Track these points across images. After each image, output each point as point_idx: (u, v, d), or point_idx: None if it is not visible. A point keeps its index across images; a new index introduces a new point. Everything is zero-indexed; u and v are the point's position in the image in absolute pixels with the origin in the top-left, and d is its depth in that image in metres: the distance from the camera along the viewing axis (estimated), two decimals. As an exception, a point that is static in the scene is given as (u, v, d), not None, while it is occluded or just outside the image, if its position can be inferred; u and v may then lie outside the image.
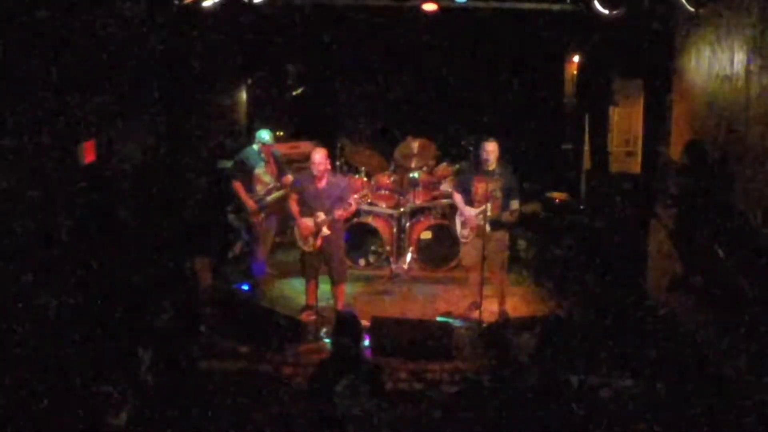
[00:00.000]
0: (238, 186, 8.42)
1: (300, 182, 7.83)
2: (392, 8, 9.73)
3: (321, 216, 7.56)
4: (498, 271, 7.88)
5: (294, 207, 7.76)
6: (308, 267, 7.85)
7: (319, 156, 7.59)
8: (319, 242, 7.61)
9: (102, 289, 6.32)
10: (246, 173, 8.43)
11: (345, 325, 5.14)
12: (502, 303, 8.00)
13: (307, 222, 7.62)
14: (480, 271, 7.72)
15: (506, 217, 7.52)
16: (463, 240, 7.97)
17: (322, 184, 7.64)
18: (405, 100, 11.62)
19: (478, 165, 7.73)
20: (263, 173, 8.47)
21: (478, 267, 7.75)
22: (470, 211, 7.72)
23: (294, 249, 9.68)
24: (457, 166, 9.72)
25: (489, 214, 7.49)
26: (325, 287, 7.93)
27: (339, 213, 7.58)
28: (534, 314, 7.93)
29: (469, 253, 7.94)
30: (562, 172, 10.50)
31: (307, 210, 7.66)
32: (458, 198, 7.88)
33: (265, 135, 8.41)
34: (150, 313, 7.02)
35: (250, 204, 8.39)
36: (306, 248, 7.73)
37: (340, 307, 7.91)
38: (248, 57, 10.53)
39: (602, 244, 8.66)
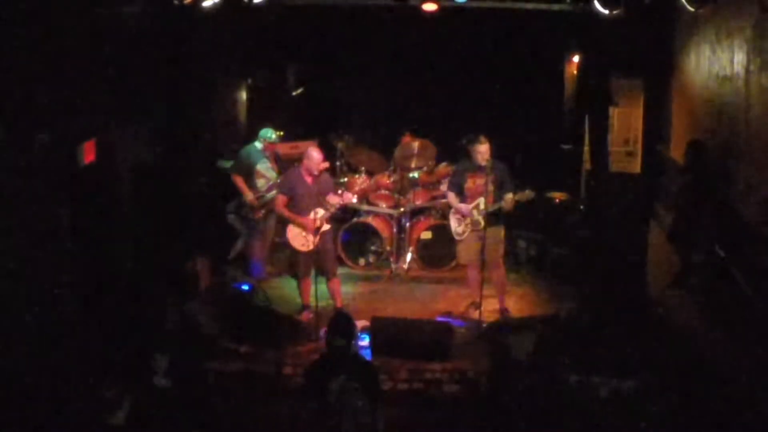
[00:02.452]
0: (238, 179, 8.44)
1: (290, 183, 7.70)
2: (392, 8, 9.72)
3: (320, 212, 7.57)
4: (494, 266, 7.88)
5: (285, 210, 7.63)
6: (303, 266, 7.76)
7: (319, 154, 7.61)
8: (317, 239, 7.59)
9: (102, 288, 6.32)
10: (247, 169, 8.45)
11: (338, 324, 5.15)
12: (502, 299, 8.02)
13: (308, 221, 7.58)
14: (478, 269, 7.74)
15: (504, 205, 7.50)
16: (458, 238, 7.98)
17: (312, 181, 7.64)
18: (405, 100, 11.62)
19: (469, 162, 7.76)
20: (265, 169, 8.49)
21: (475, 264, 7.79)
22: (465, 208, 7.76)
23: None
24: (457, 166, 9.72)
25: (482, 207, 7.55)
26: (320, 287, 7.90)
27: (336, 200, 7.63)
28: (534, 314, 7.94)
29: (464, 250, 7.95)
30: (562, 172, 10.50)
31: (301, 209, 7.60)
32: (451, 196, 7.92)
33: (270, 133, 8.48)
34: (150, 313, 7.02)
35: (250, 197, 8.40)
36: (303, 248, 7.62)
37: (339, 303, 7.91)
38: (248, 57, 10.53)
39: (602, 244, 8.66)
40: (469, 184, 7.71)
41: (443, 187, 9.68)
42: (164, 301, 7.18)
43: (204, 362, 6.80)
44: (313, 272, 7.75)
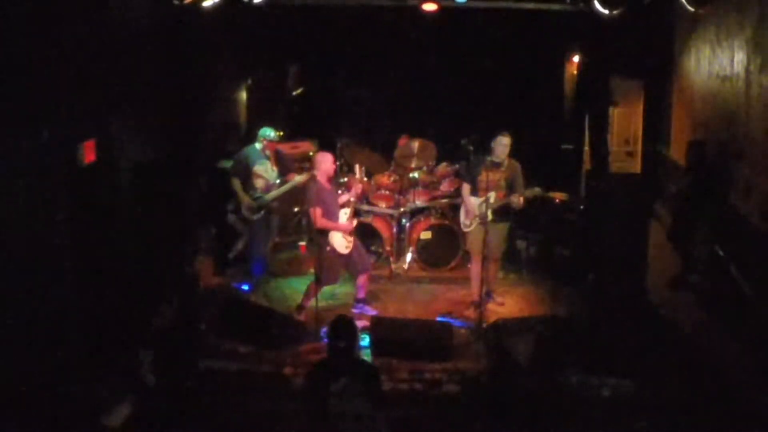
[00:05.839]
0: (235, 182, 8.45)
1: (318, 194, 7.62)
2: (392, 8, 9.72)
3: (347, 211, 7.81)
4: (493, 260, 8.08)
5: (326, 221, 7.56)
6: (334, 271, 7.78)
7: (330, 156, 7.78)
8: (353, 238, 7.81)
9: (102, 288, 6.32)
10: (245, 170, 8.44)
11: (340, 327, 5.16)
12: (489, 288, 8.18)
13: (346, 226, 7.74)
14: (481, 263, 7.81)
15: (514, 201, 7.73)
16: (464, 229, 8.20)
17: (330, 185, 7.81)
18: (405, 100, 11.62)
19: (485, 157, 7.87)
20: (263, 170, 8.48)
21: (478, 257, 7.90)
22: (474, 201, 7.92)
23: (294, 249, 9.75)
24: (457, 166, 9.73)
25: (492, 202, 7.73)
26: (325, 288, 7.93)
27: (356, 193, 8.08)
28: (534, 314, 7.94)
29: (471, 241, 8.14)
30: (562, 172, 10.50)
31: (332, 214, 7.67)
32: (465, 188, 8.11)
33: (269, 131, 8.47)
34: (150, 313, 7.03)
35: (246, 200, 8.41)
36: (347, 250, 7.71)
37: (362, 295, 8.03)
38: (248, 57, 10.53)
39: (602, 244, 8.67)
40: (483, 177, 7.82)
41: (443, 187, 9.71)
42: (158, 299, 7.19)
43: (193, 360, 6.80)
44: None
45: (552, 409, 5.74)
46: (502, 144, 7.77)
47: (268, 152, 8.52)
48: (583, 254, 9.02)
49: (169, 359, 6.29)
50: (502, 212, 7.88)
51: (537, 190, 7.76)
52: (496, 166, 7.80)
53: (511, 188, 7.82)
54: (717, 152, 6.68)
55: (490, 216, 7.74)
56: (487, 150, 7.90)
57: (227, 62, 10.05)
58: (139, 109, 7.38)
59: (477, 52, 11.20)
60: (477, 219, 7.92)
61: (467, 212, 8.07)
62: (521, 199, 7.70)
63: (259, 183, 8.46)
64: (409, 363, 6.93)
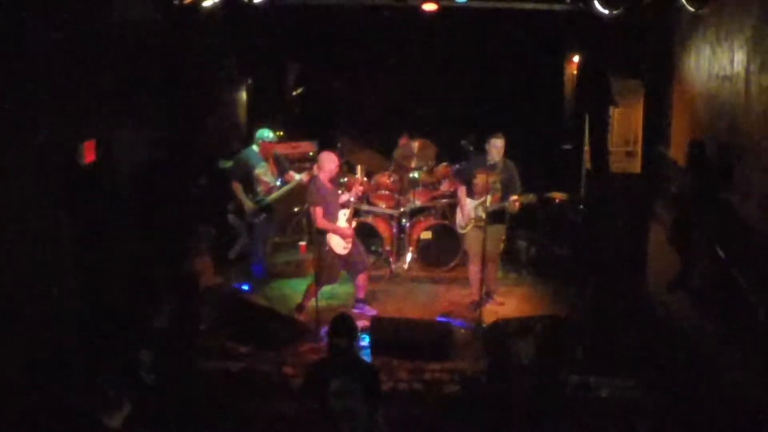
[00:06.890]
0: (236, 186, 8.45)
1: (321, 193, 7.58)
2: (392, 8, 9.72)
3: (346, 212, 7.77)
4: (490, 261, 8.03)
5: (326, 222, 7.53)
6: (333, 272, 7.76)
7: (336, 157, 7.73)
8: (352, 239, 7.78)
9: (102, 289, 6.32)
10: (246, 174, 8.44)
11: (340, 325, 5.16)
12: (489, 289, 8.17)
13: (346, 229, 7.68)
14: (480, 265, 7.82)
15: (509, 206, 7.70)
16: (461, 231, 8.20)
17: (332, 186, 7.76)
18: (405, 100, 11.62)
19: (481, 158, 7.85)
20: (264, 173, 8.49)
21: (476, 259, 7.88)
22: (469, 203, 7.90)
23: (294, 249, 9.76)
24: (458, 165, 9.73)
25: (488, 205, 7.69)
26: (325, 288, 7.93)
27: (356, 194, 8.08)
28: (534, 314, 7.94)
29: (467, 243, 8.14)
30: (562, 172, 10.50)
31: (331, 215, 7.62)
32: (461, 190, 8.08)
33: (266, 133, 8.48)
34: (150, 313, 7.03)
35: (248, 205, 8.42)
36: (345, 251, 7.68)
37: (362, 295, 8.02)
38: (248, 57, 10.54)
39: (602, 244, 8.67)
40: (478, 180, 7.81)
41: (443, 187, 9.72)
42: (159, 299, 7.19)
43: (194, 360, 6.80)
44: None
45: (552, 409, 5.74)
46: (496, 146, 7.73)
47: (265, 154, 8.52)
48: (583, 254, 9.02)
49: (169, 359, 6.28)
50: (497, 215, 7.83)
51: (532, 197, 7.71)
52: (492, 167, 7.77)
53: (507, 190, 7.77)
54: (717, 152, 6.68)
55: (484, 219, 7.68)
56: (483, 151, 7.89)
57: (227, 62, 10.05)
58: (139, 109, 7.38)
59: (477, 52, 11.20)
60: (472, 221, 7.90)
61: (463, 214, 8.06)
62: (516, 204, 7.67)
63: (260, 186, 8.47)
64: (409, 363, 6.92)
